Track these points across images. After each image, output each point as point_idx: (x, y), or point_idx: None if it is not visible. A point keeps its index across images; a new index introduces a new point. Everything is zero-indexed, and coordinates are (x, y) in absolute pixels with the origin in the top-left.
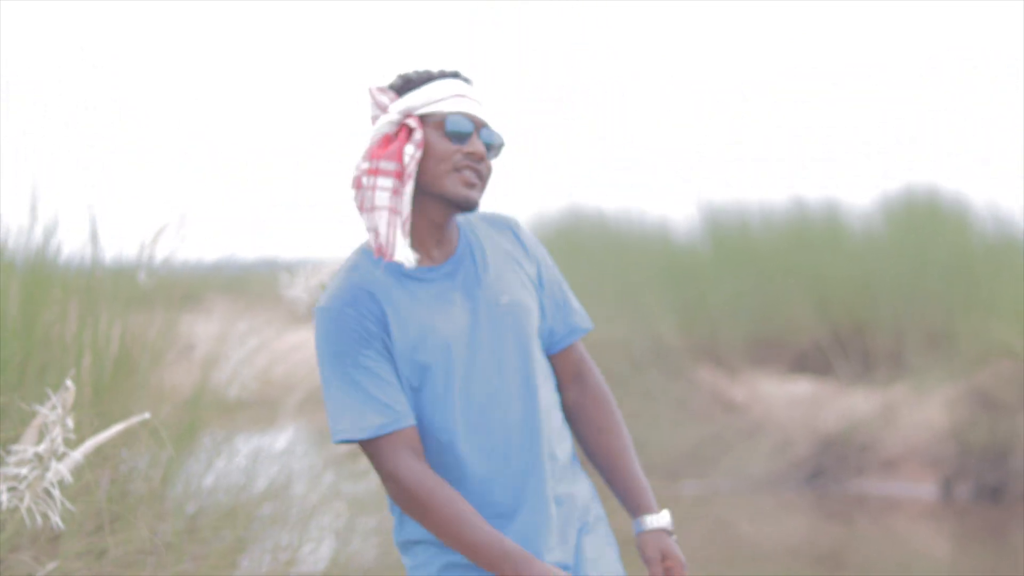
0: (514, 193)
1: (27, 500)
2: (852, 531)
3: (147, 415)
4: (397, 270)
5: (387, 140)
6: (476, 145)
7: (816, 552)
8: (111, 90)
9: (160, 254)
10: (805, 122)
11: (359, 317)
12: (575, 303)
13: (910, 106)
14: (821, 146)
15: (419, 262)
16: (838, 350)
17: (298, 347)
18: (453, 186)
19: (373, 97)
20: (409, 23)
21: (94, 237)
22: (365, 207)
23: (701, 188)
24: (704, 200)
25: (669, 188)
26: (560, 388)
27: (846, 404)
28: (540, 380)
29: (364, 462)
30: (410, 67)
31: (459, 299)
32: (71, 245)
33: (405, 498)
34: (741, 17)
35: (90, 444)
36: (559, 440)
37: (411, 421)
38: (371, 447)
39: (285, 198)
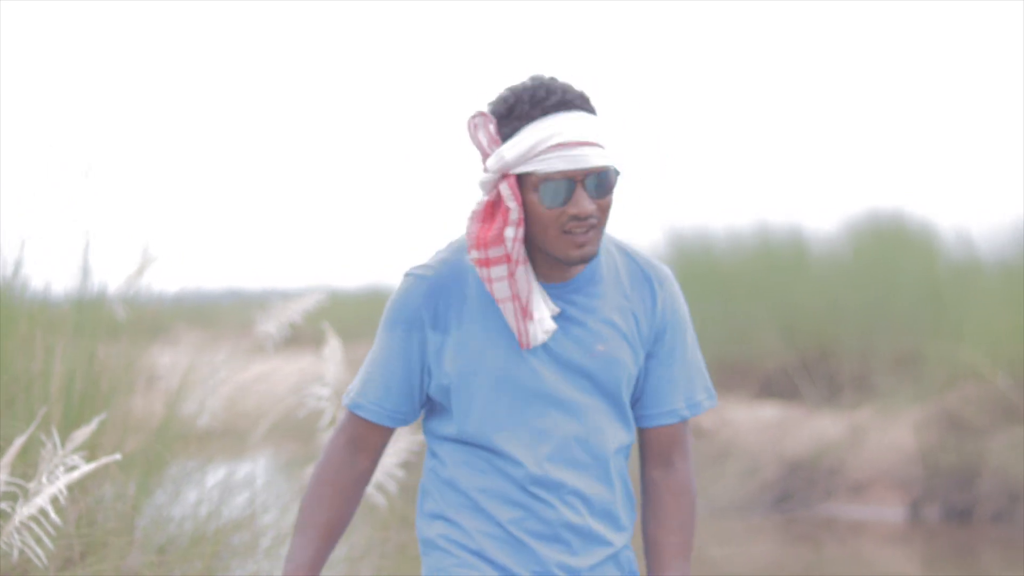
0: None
1: (9, 534)
2: (821, 555)
3: (118, 456)
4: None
5: (489, 211)
6: (581, 206)
7: None
8: (79, 121)
9: (133, 286)
10: (769, 146)
11: (423, 301)
12: (700, 380)
13: (875, 129)
14: (785, 170)
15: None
16: (805, 374)
17: (265, 377)
18: (563, 250)
19: (470, 132)
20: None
21: (69, 269)
22: (496, 300)
23: (666, 213)
24: (669, 225)
25: (634, 213)
26: (645, 464)
27: (813, 428)
28: (610, 443)
29: None
30: (518, 77)
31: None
32: (38, 278)
33: (314, 472)
34: (706, 40)
35: (66, 479)
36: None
37: (389, 424)
38: (345, 416)
39: (252, 228)
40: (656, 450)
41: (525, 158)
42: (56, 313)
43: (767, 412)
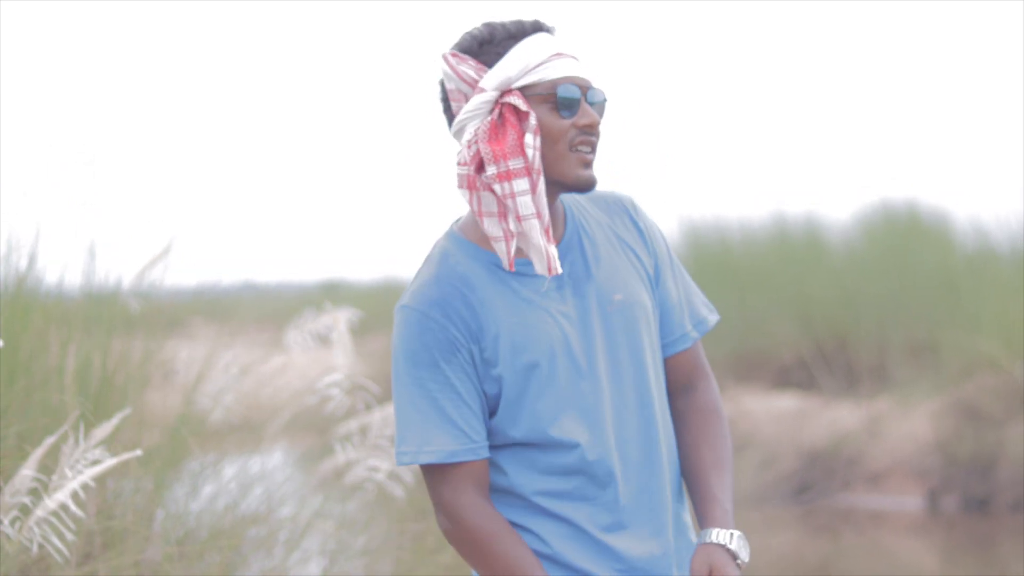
0: None
1: (29, 529)
2: (839, 545)
3: (139, 452)
4: (492, 261)
5: (495, 128)
6: (589, 114)
7: (804, 567)
8: (94, 117)
9: (147, 280)
10: (784, 137)
11: (445, 322)
12: (697, 297)
13: (890, 119)
14: (800, 161)
15: (519, 252)
16: (822, 364)
17: (283, 370)
18: (572, 169)
19: (452, 67)
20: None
21: (82, 263)
22: (494, 209)
23: (681, 204)
24: (684, 216)
25: (649, 205)
26: (669, 395)
27: (831, 418)
28: (656, 391)
29: (350, 482)
30: (471, 22)
31: (567, 296)
32: (53, 272)
33: (460, 536)
34: (719, 31)
35: (88, 474)
36: (672, 469)
37: (485, 454)
38: (434, 474)
39: (268, 221)
40: (675, 379)
41: (528, 68)
42: (70, 307)
43: (784, 403)
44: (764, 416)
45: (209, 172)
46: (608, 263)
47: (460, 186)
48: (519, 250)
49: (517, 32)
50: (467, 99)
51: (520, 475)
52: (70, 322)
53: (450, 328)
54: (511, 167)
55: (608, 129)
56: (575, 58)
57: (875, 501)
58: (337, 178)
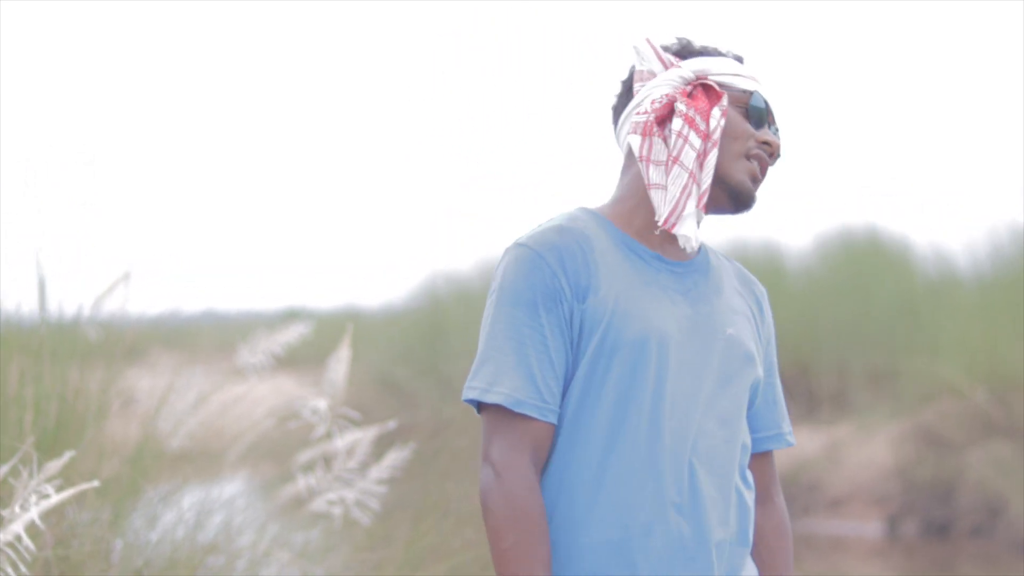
0: (459, 240)
1: None
2: (800, 570)
3: (95, 483)
4: (624, 240)
5: (689, 96)
6: (773, 137)
7: None
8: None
9: (106, 308)
10: None
11: (559, 269)
12: (785, 410)
13: (851, 146)
14: (761, 187)
15: (650, 246)
16: (783, 391)
17: (242, 398)
18: (739, 173)
19: (654, 47)
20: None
21: (38, 291)
22: (663, 158)
23: None
24: None
25: None
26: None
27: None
28: (741, 432)
29: (311, 507)
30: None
31: (682, 302)
32: (9, 300)
33: (495, 500)
34: None
35: (39, 509)
36: (741, 510)
37: (553, 419)
38: (495, 421)
39: (229, 250)
40: (759, 481)
41: (727, 71)
42: (29, 336)
43: None
44: None
45: (172, 199)
46: (729, 304)
47: (634, 131)
48: (657, 242)
49: (719, 51)
50: (652, 76)
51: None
52: (29, 351)
53: (560, 277)
54: (698, 123)
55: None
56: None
57: (835, 526)
58: (300, 205)
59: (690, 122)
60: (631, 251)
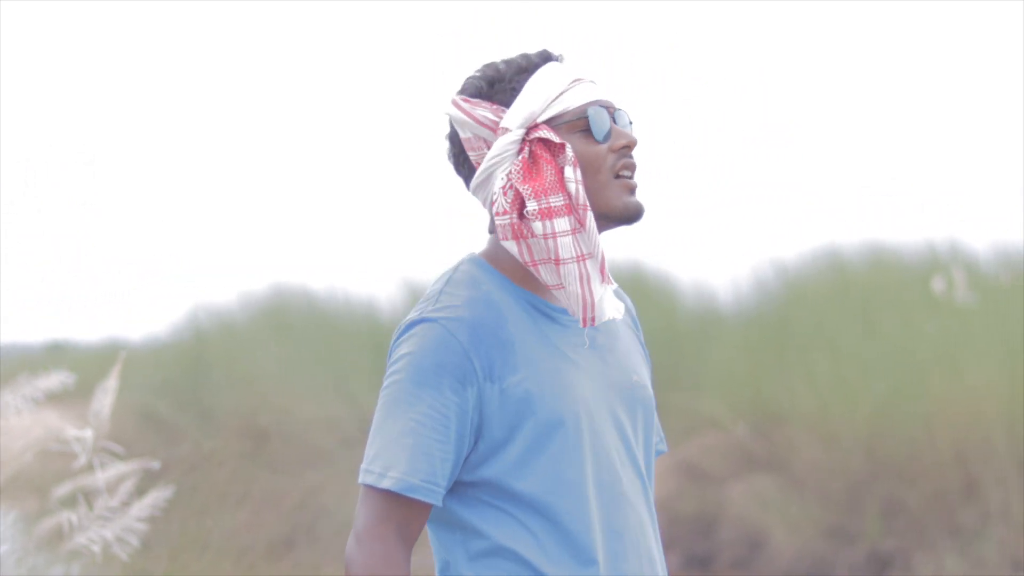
0: (222, 273)
1: None
2: None
3: None
4: (526, 299)
5: (528, 167)
6: (625, 134)
7: None
8: None
9: None
10: None
11: (470, 349)
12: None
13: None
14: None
15: (552, 300)
16: None
17: (1, 432)
18: (618, 198)
19: (467, 112)
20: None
21: None
22: (547, 257)
23: (403, 265)
24: (409, 278)
25: (373, 267)
26: None
27: None
28: (650, 486)
29: (70, 544)
30: (471, 63)
31: (593, 358)
32: None
33: (354, 565)
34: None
35: None
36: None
37: (439, 502)
38: (379, 499)
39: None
40: None
41: (550, 98)
42: None
43: None
44: None
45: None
46: (625, 343)
47: (504, 238)
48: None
49: (527, 65)
50: (488, 144)
51: (515, 539)
52: None
53: (472, 358)
54: (552, 204)
55: None
56: (593, 82)
57: None
58: (56, 234)
59: (547, 214)
60: (536, 311)
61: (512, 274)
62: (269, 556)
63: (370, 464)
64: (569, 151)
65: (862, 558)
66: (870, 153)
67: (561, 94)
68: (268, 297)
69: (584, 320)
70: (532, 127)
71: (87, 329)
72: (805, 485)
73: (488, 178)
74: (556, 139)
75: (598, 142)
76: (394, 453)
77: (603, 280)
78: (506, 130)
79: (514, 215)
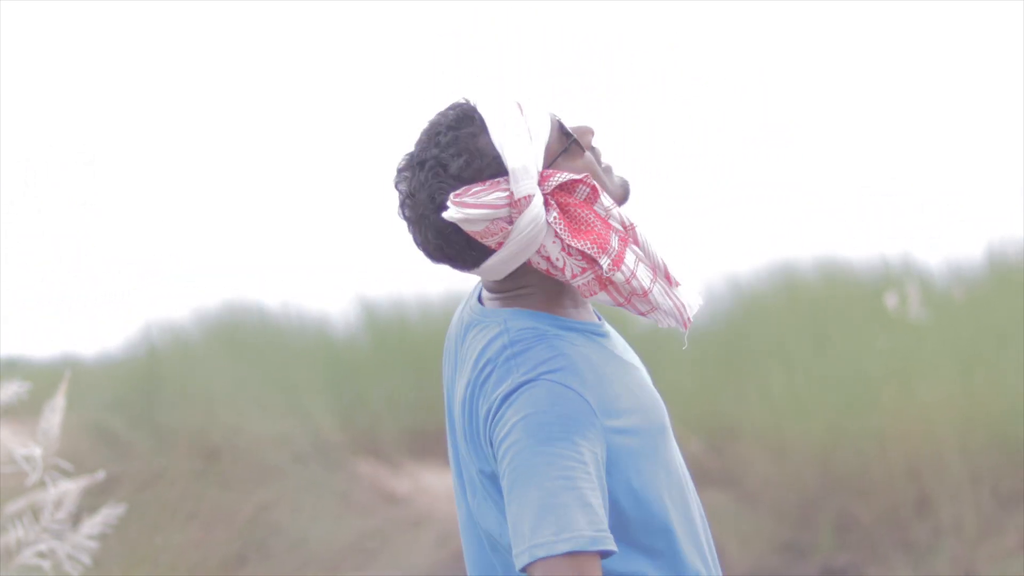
0: (175, 289)
1: None
2: None
3: None
4: (584, 328)
5: (570, 222)
6: (586, 129)
7: None
8: None
9: None
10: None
11: (582, 390)
12: None
13: None
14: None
15: (593, 321)
16: None
17: None
18: (616, 187)
19: (474, 205)
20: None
21: None
22: (633, 294)
23: (358, 283)
24: (362, 295)
25: (327, 283)
26: None
27: None
28: None
29: (20, 561)
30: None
31: (636, 363)
32: None
33: None
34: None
35: None
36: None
37: (614, 547)
38: (556, 565)
39: None
40: None
41: (536, 141)
42: None
43: None
44: (442, 493)
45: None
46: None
47: (593, 294)
48: (588, 312)
49: (476, 129)
50: (510, 220)
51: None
52: None
53: (587, 398)
54: (615, 247)
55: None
56: (524, 99)
57: None
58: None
59: (618, 260)
60: (591, 338)
61: (554, 310)
62: (221, 573)
63: (534, 538)
64: (589, 180)
65: (815, 572)
66: (825, 168)
67: (540, 132)
68: (221, 313)
69: (685, 324)
70: (541, 181)
71: (39, 344)
72: (758, 500)
73: (522, 251)
74: (575, 176)
75: (584, 152)
76: (557, 516)
77: (672, 283)
78: (529, 197)
79: (591, 272)
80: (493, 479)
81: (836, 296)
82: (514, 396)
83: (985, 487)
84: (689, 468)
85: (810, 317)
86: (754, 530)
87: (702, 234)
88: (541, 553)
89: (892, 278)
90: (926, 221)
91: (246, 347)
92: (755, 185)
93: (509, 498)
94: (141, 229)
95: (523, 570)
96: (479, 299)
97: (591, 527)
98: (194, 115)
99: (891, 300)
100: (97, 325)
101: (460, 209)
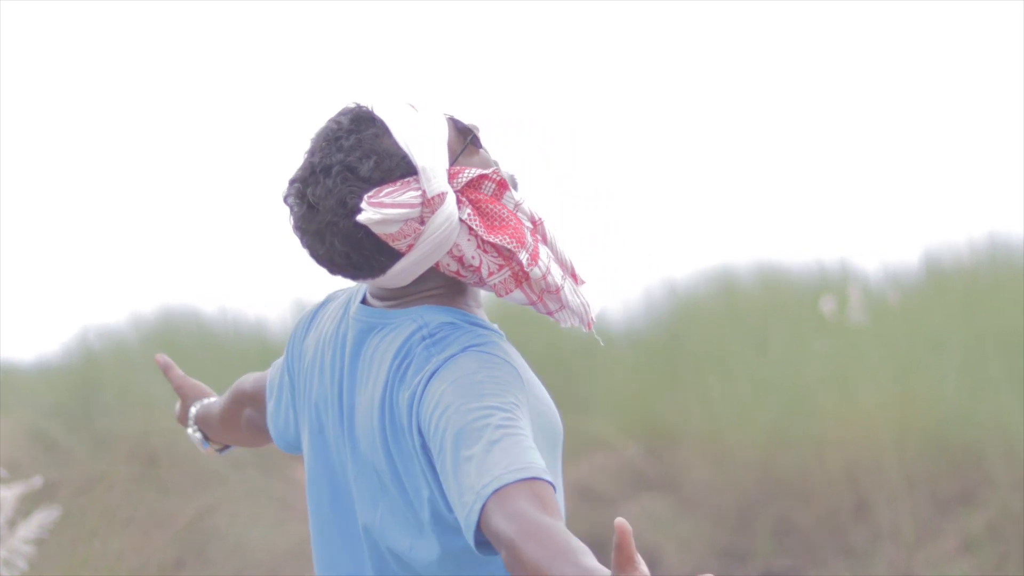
0: (112, 294)
1: None
2: None
3: None
4: (489, 326)
5: (484, 216)
6: (480, 130)
7: None
8: None
9: None
10: None
11: (510, 364)
12: None
13: None
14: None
15: (478, 315)
16: None
17: None
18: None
19: (392, 206)
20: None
21: None
22: (545, 291)
23: (295, 287)
24: (298, 299)
25: (263, 287)
26: None
27: None
28: None
29: None
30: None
31: None
32: None
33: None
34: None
35: None
36: None
37: None
38: (528, 489)
39: None
40: None
41: (438, 139)
42: None
43: None
44: None
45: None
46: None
47: (508, 291)
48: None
49: (378, 130)
50: (422, 220)
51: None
52: None
53: (515, 366)
54: (530, 240)
55: None
56: (414, 99)
57: None
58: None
59: (534, 256)
60: (502, 338)
61: (470, 310)
62: None
63: (481, 480)
64: (495, 175)
65: None
66: (762, 173)
67: (434, 132)
68: (158, 318)
69: (588, 324)
70: (451, 177)
71: None
72: (697, 505)
73: (433, 251)
74: (484, 171)
75: (479, 148)
76: (504, 454)
77: (578, 281)
78: (443, 195)
79: (509, 269)
80: (425, 476)
81: (774, 301)
82: (439, 371)
83: (923, 491)
84: (628, 473)
85: (748, 322)
86: (694, 535)
87: (640, 239)
88: (491, 488)
89: (830, 283)
90: (863, 226)
91: (184, 352)
92: (693, 190)
93: (450, 465)
94: (79, 232)
95: (477, 523)
96: (363, 303)
97: (542, 463)
98: (134, 114)
99: (829, 305)
100: (33, 330)
101: (378, 210)
